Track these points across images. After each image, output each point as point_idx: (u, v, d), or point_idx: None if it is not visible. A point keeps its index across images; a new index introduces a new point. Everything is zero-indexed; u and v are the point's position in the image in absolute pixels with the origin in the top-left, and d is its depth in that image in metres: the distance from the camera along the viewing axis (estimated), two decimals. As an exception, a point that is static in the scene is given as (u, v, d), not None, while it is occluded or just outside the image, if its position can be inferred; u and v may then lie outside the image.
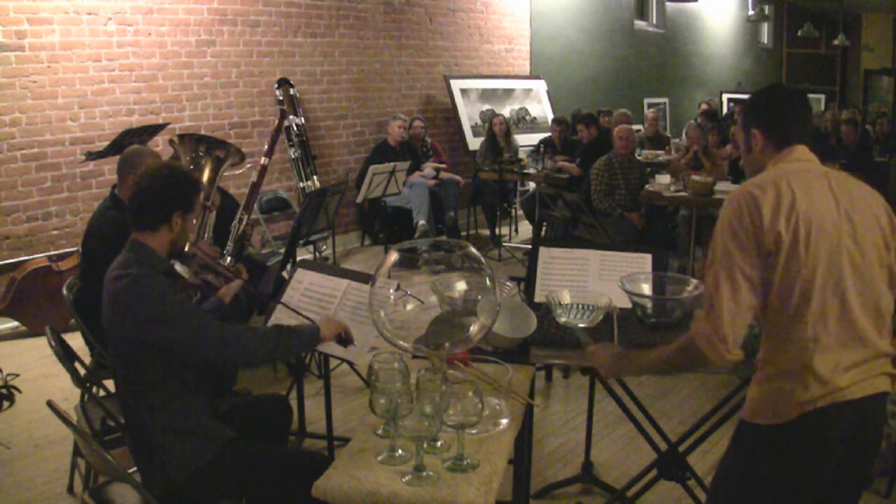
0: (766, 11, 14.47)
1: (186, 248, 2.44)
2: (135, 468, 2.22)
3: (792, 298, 1.68)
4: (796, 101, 1.83)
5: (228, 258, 3.27)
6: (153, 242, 2.18)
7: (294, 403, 3.05)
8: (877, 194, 1.79)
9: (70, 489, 3.10)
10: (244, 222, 3.36)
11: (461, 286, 2.03)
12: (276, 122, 3.80)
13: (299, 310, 2.52)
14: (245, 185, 6.15)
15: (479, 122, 8.43)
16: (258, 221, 6.36)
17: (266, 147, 3.61)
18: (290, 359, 2.63)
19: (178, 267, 2.32)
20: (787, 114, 1.81)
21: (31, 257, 5.10)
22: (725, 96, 13.32)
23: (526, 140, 8.36)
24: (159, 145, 5.22)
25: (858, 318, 1.69)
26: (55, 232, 5.31)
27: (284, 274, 3.77)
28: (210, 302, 2.60)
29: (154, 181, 2.18)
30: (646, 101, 11.83)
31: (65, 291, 3.11)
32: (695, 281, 2.47)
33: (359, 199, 6.44)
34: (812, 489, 1.73)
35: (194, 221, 2.49)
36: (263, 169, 3.54)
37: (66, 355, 2.65)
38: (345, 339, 2.38)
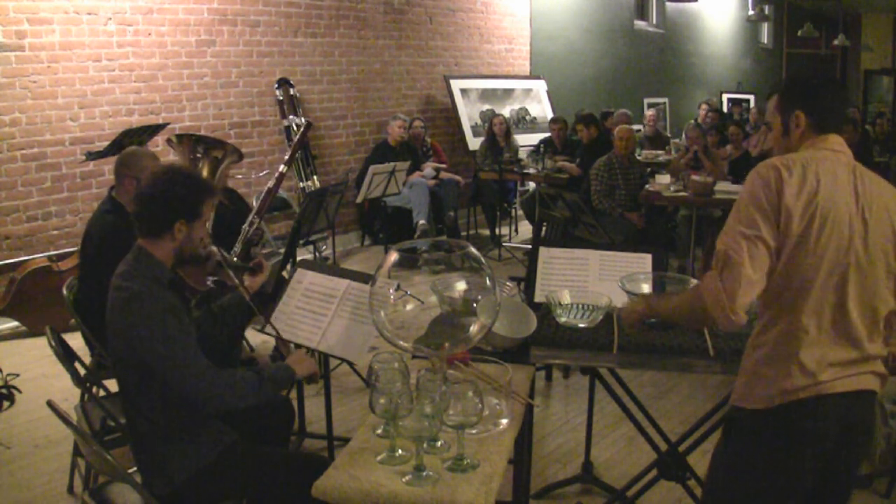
0: (766, 11, 14.46)
1: (203, 250, 2.32)
2: (135, 468, 2.22)
3: (792, 286, 1.70)
4: (840, 91, 1.87)
5: (235, 259, 3.27)
6: (157, 251, 2.10)
7: (294, 403, 3.05)
8: None
9: (70, 489, 3.10)
10: (255, 226, 3.36)
11: (461, 286, 2.02)
12: (299, 133, 3.81)
13: (281, 333, 2.52)
14: (246, 184, 6.18)
15: (479, 122, 8.42)
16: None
17: (287, 156, 3.69)
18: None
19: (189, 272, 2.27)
20: (832, 101, 1.83)
21: (31, 257, 5.10)
22: (725, 96, 13.33)
23: (526, 140, 8.36)
24: (159, 145, 5.22)
25: (853, 320, 1.70)
26: (55, 232, 5.31)
27: (284, 274, 3.76)
28: (231, 297, 2.55)
29: (154, 187, 2.10)
30: (646, 101, 11.82)
31: (65, 291, 3.10)
32: (695, 281, 2.47)
33: (359, 199, 6.44)
34: (797, 482, 1.74)
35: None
36: (281, 176, 3.59)
37: (66, 355, 2.65)
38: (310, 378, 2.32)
